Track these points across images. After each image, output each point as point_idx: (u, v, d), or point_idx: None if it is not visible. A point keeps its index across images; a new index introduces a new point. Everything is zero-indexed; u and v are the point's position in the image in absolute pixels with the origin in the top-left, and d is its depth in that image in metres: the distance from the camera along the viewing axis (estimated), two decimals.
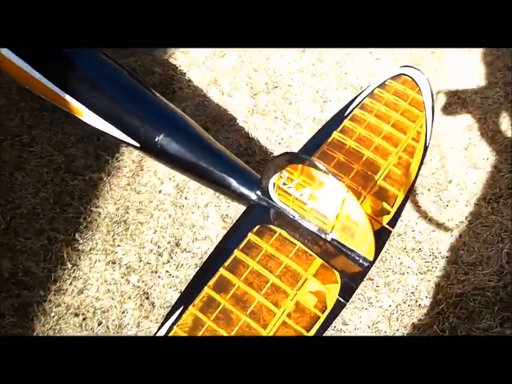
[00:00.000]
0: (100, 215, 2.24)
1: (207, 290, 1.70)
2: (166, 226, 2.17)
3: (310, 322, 1.69)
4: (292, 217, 1.86)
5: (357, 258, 1.79)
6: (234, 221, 1.88)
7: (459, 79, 2.56)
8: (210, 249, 2.09)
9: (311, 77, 2.52)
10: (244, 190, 1.95)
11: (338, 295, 1.73)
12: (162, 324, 1.63)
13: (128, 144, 2.11)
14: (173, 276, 2.05)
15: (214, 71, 2.59)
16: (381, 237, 1.79)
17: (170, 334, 1.61)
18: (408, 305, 1.98)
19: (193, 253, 2.10)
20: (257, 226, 1.84)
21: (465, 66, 2.61)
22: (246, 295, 1.71)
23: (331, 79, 2.50)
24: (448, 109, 2.49)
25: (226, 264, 1.75)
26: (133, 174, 2.35)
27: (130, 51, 2.66)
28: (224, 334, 1.61)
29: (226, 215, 2.18)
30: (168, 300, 2.00)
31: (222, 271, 1.73)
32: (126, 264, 2.09)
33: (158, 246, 2.13)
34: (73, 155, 2.40)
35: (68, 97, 2.09)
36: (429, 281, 2.02)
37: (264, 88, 2.50)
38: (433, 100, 2.24)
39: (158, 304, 1.99)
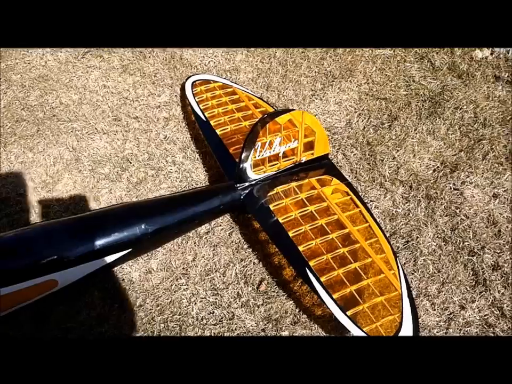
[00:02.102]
0: None
1: (301, 249, 2.03)
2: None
3: (352, 205, 2.25)
4: (273, 176, 2.30)
5: (323, 159, 2.41)
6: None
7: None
8: None
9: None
10: (228, 199, 2.23)
11: (342, 181, 2.33)
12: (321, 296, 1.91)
13: (117, 261, 2.05)
14: None
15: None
16: None
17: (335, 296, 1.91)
18: None
19: None
20: (264, 201, 2.21)
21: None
22: (314, 229, 2.13)
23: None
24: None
25: (287, 229, 2.10)
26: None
27: None
28: (342, 250, 2.03)
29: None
30: None
31: (291, 234, 2.08)
32: None
33: None
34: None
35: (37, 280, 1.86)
36: None
37: None
38: (227, 79, 2.97)
39: None
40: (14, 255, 1.82)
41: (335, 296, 1.87)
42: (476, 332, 2.06)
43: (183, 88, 3.01)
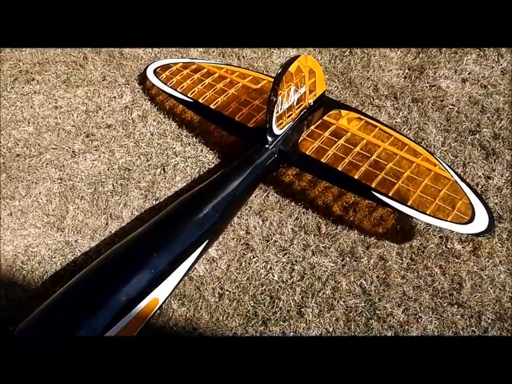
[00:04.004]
0: None
1: (356, 177, 2.14)
2: None
3: (370, 126, 2.40)
4: (292, 126, 2.35)
5: (322, 97, 2.51)
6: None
7: None
8: None
9: None
10: (267, 161, 2.25)
11: (350, 110, 2.48)
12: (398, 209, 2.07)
13: (200, 255, 2.01)
14: None
15: None
16: None
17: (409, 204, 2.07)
18: None
19: None
20: (298, 150, 2.28)
21: None
22: (355, 157, 2.24)
23: None
24: None
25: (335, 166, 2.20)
26: None
27: None
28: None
29: None
30: None
31: (340, 168, 2.18)
32: None
33: None
34: None
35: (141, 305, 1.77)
36: None
37: None
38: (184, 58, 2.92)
39: None
40: (115, 286, 1.71)
41: (409, 203, 2.02)
42: (508, 192, 2.35)
43: (142, 82, 2.90)
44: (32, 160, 2.64)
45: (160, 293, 1.82)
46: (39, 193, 2.50)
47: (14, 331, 1.61)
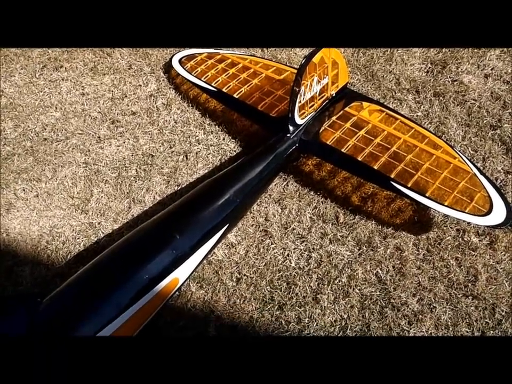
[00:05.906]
0: None
1: (376, 167, 2.17)
2: None
3: (391, 118, 2.42)
4: (313, 116, 2.38)
5: (344, 89, 2.54)
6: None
7: None
8: None
9: None
10: (288, 150, 2.29)
11: (371, 102, 2.49)
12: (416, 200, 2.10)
13: (220, 239, 2.05)
14: None
15: None
16: None
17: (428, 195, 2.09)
18: None
19: None
20: (320, 140, 2.31)
21: None
22: (376, 148, 2.27)
23: None
24: None
25: (355, 156, 2.23)
26: None
27: None
28: None
29: None
30: None
31: (360, 158, 2.21)
32: None
33: None
34: None
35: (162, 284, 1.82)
36: None
37: None
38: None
39: None
40: (138, 264, 1.77)
41: (427, 195, 2.04)
42: None
43: (167, 71, 2.96)
44: (58, 144, 2.71)
45: (181, 273, 1.88)
46: (65, 176, 2.58)
47: (41, 303, 1.68)
